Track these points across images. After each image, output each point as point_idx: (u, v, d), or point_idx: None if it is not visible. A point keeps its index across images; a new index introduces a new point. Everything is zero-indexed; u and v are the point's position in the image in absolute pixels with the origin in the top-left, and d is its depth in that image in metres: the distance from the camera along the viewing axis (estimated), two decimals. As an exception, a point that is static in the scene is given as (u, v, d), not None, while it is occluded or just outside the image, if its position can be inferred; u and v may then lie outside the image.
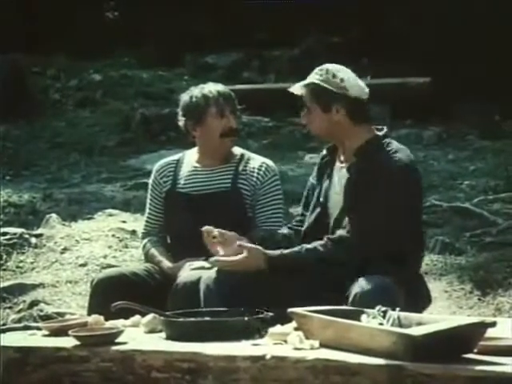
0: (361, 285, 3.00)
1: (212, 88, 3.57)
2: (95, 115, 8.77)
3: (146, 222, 3.69)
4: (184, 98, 3.60)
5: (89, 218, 5.84)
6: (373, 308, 2.71)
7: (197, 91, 3.57)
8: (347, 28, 9.01)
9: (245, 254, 3.09)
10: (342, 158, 3.26)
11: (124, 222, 5.69)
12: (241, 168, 3.55)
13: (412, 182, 3.16)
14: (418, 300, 3.13)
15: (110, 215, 5.86)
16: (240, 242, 3.13)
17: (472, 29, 8.14)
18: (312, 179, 3.36)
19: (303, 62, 8.83)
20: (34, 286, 4.91)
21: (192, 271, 3.36)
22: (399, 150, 3.19)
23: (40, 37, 9.78)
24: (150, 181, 3.67)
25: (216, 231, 3.22)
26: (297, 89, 3.24)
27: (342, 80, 3.18)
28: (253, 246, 3.12)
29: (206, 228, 3.24)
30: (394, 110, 7.16)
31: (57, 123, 8.62)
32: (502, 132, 7.67)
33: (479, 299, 4.65)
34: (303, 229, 3.31)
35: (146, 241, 3.65)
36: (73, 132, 8.39)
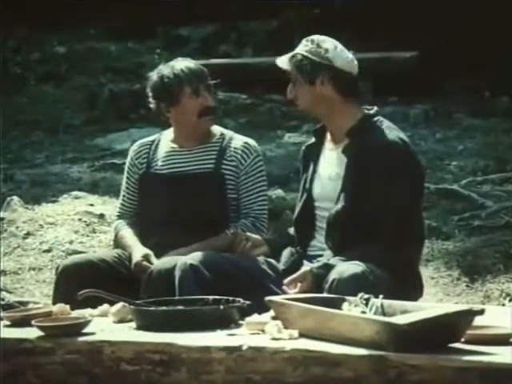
0: (338, 271, 3.02)
1: (183, 65, 3.52)
2: (60, 91, 8.72)
3: (121, 204, 3.68)
4: (154, 78, 3.54)
5: (53, 201, 5.82)
6: (350, 295, 2.73)
7: (167, 70, 3.52)
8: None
9: (304, 284, 3.09)
10: (331, 140, 3.27)
11: (91, 205, 5.67)
12: (224, 148, 3.55)
13: (414, 159, 3.20)
14: (408, 291, 3.14)
15: (77, 198, 5.84)
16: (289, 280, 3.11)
17: (462, 0, 8.16)
18: (299, 164, 3.38)
19: (282, 34, 8.82)
20: (-6, 274, 4.90)
21: (167, 257, 3.37)
22: (392, 128, 3.22)
23: None
24: (127, 161, 3.67)
25: (244, 235, 3.27)
26: (282, 61, 3.27)
27: (326, 50, 3.20)
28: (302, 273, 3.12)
29: (234, 231, 3.30)
30: (378, 86, 7.17)
31: (18, 99, 8.56)
32: (492, 110, 7.70)
33: (467, 286, 4.69)
34: (294, 217, 3.34)
35: (118, 222, 3.65)
36: (36, 109, 8.33)
